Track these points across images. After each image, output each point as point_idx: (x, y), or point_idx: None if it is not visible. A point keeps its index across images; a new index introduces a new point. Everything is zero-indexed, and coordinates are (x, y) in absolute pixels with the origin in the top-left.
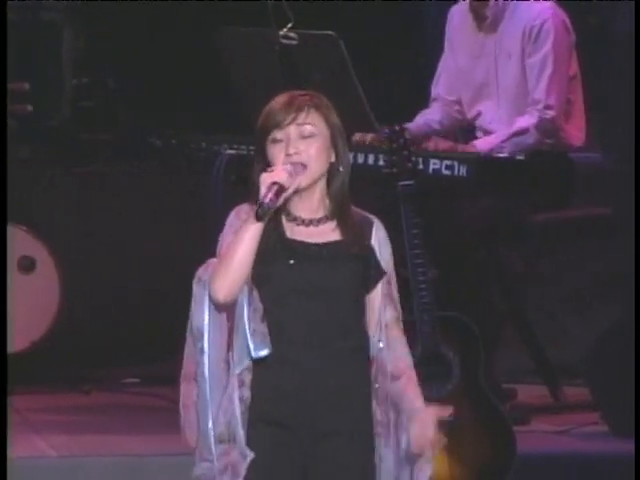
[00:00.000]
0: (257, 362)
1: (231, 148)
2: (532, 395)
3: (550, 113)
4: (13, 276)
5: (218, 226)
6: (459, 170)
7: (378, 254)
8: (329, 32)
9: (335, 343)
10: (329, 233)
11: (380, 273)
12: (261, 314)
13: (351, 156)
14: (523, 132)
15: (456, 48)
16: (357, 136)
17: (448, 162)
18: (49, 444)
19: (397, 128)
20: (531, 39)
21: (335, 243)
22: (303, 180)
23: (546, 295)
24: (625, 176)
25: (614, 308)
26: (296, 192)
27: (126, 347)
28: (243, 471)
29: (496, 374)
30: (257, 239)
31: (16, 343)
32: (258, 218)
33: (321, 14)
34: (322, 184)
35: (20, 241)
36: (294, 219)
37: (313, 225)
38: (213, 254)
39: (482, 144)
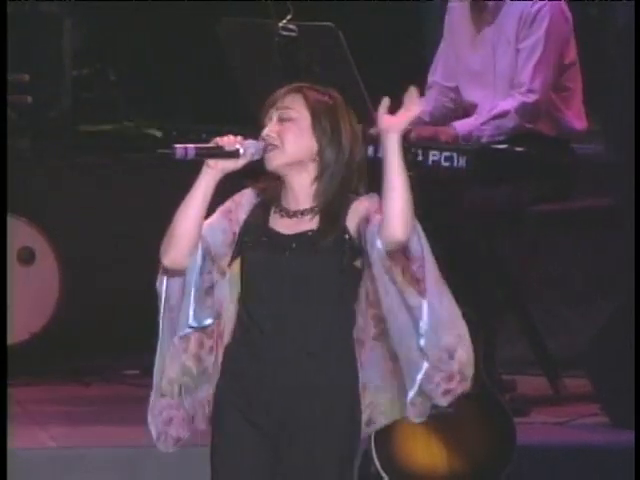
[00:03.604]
0: (228, 348)
1: None
2: (532, 387)
3: (532, 97)
4: (13, 267)
5: None
6: (458, 162)
7: (354, 232)
8: (328, 23)
9: (303, 337)
10: (307, 224)
11: (355, 252)
12: (209, 286)
13: None
14: (503, 115)
15: (456, 38)
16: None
17: (447, 154)
18: (49, 435)
19: None
20: (526, 24)
21: (308, 233)
22: (274, 159)
23: (546, 286)
24: (626, 167)
25: (614, 300)
26: (285, 179)
27: (126, 338)
28: (198, 425)
29: (496, 366)
30: (203, 203)
31: (16, 334)
32: (164, 154)
33: (320, 5)
34: (311, 173)
35: (20, 232)
36: (280, 210)
37: (296, 217)
38: None
39: (462, 126)
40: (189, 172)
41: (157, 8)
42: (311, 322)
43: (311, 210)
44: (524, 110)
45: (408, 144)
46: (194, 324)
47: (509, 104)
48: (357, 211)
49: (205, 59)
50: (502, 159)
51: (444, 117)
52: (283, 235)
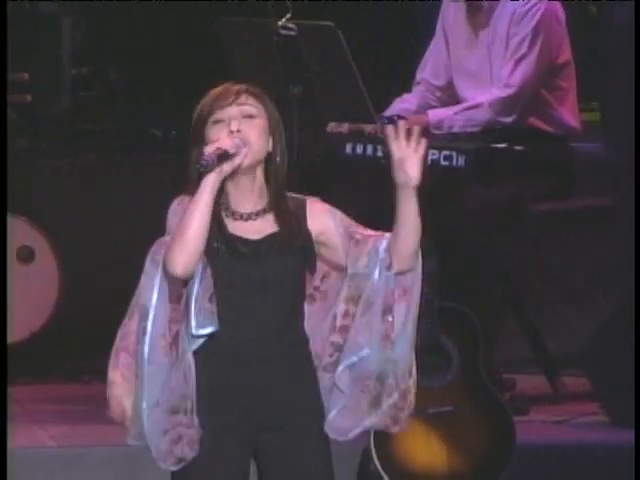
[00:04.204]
0: (199, 353)
1: None
2: (531, 385)
3: (507, 91)
4: (12, 266)
5: None
6: (457, 161)
7: (327, 229)
8: (328, 23)
9: (274, 338)
10: (267, 227)
11: (314, 254)
12: (210, 293)
13: (350, 147)
14: (476, 107)
15: (451, 39)
16: (353, 126)
17: (446, 152)
18: (49, 434)
19: (395, 119)
20: (516, 22)
21: (272, 237)
22: (245, 159)
23: (546, 285)
24: (626, 167)
25: (614, 298)
26: (233, 180)
27: None
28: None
29: (495, 364)
30: (210, 207)
31: (15, 333)
32: (199, 176)
33: (320, 4)
34: (260, 175)
35: (19, 231)
36: (232, 214)
37: (252, 219)
38: None
39: (435, 114)
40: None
41: (157, 8)
42: (282, 324)
43: (264, 211)
44: (498, 104)
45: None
46: (201, 332)
47: (484, 97)
48: (317, 213)
49: (205, 59)
50: (501, 158)
51: None
52: (249, 240)
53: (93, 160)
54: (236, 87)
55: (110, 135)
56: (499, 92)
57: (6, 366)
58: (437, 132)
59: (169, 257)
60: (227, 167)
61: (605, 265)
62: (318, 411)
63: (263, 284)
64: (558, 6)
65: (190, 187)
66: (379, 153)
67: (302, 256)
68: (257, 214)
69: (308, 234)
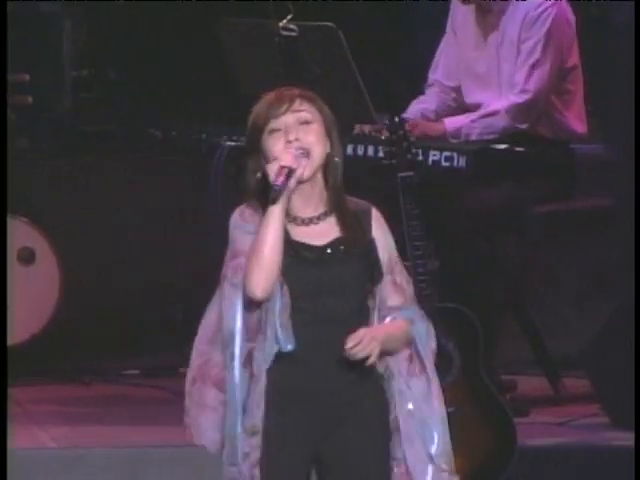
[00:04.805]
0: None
1: (231, 140)
2: (532, 387)
3: (524, 97)
4: (13, 268)
5: (218, 218)
6: (458, 161)
7: (380, 246)
8: (328, 23)
9: (343, 342)
10: (330, 231)
11: (380, 273)
12: (289, 310)
13: (351, 148)
14: (493, 114)
15: (460, 40)
16: (357, 128)
17: (447, 153)
18: (49, 435)
19: (397, 119)
20: (528, 26)
21: (337, 242)
22: (307, 168)
23: (546, 286)
24: (626, 167)
25: (614, 299)
26: (296, 187)
27: (126, 338)
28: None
29: (496, 366)
30: (281, 225)
31: (16, 335)
32: (272, 201)
33: (320, 5)
34: (320, 177)
35: (20, 232)
36: (294, 219)
37: (313, 223)
38: (212, 246)
39: (452, 122)
40: (188, 172)
41: (157, 8)
42: (351, 325)
43: (325, 214)
44: (515, 110)
45: (408, 144)
46: (287, 348)
47: (500, 104)
48: (381, 227)
49: (205, 59)
50: (502, 159)
51: (447, 115)
52: (313, 246)
53: (93, 161)
54: (289, 92)
55: (110, 136)
56: (516, 98)
57: (6, 367)
58: (455, 140)
59: (248, 281)
60: (292, 183)
61: (605, 265)
62: (382, 407)
63: (329, 287)
64: (568, 9)
65: (248, 197)
66: (380, 154)
67: (366, 260)
68: (319, 218)
69: (372, 241)
